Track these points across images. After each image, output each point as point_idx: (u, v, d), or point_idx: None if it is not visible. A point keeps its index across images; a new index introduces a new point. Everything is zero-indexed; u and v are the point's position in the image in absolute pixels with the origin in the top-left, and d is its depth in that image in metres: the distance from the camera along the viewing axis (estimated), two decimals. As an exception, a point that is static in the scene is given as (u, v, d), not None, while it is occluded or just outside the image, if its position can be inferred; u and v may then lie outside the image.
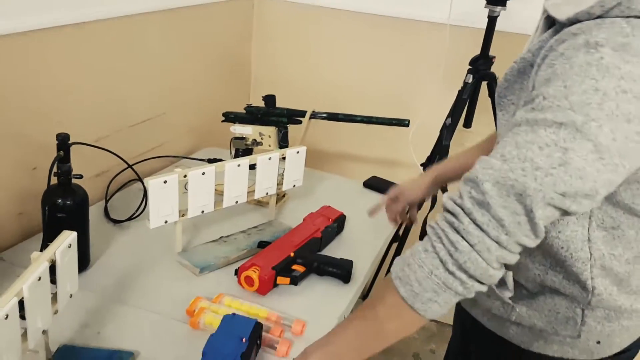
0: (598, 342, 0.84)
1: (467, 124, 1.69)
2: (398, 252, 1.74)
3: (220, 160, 1.55)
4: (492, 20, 1.59)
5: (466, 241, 0.68)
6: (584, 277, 0.79)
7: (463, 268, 0.69)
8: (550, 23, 0.78)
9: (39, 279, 0.75)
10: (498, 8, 1.56)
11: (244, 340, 0.88)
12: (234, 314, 0.95)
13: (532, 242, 0.69)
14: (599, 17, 0.67)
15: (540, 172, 0.65)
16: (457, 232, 0.69)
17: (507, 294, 0.85)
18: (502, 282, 0.84)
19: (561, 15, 0.71)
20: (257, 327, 0.93)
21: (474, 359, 1.05)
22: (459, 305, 1.07)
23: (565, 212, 0.67)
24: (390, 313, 0.75)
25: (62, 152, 1.02)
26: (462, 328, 1.10)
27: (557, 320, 0.85)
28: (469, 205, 0.68)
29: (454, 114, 1.63)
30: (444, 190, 1.66)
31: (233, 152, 1.57)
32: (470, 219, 0.68)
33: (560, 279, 0.82)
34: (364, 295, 1.93)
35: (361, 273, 1.22)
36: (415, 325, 0.75)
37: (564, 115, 0.64)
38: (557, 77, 0.66)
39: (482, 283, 0.71)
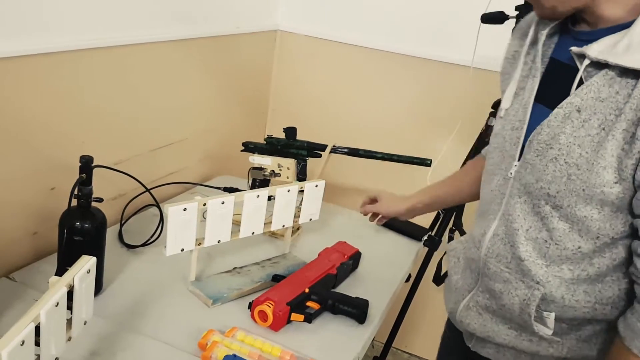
0: None
1: (485, 166, 1.68)
2: (411, 293, 1.71)
3: (237, 189, 1.54)
4: (515, 65, 1.58)
5: None
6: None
7: None
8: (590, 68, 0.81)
9: (57, 304, 0.73)
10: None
11: None
12: (234, 355, 0.93)
13: None
14: None
15: None
16: None
17: (548, 332, 0.88)
18: (541, 321, 0.88)
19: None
20: None
21: None
22: None
23: None
24: None
25: (84, 175, 1.02)
26: None
27: (608, 348, 0.87)
28: None
29: (474, 155, 1.62)
30: (461, 231, 1.64)
31: (250, 182, 1.56)
32: None
33: (610, 309, 0.86)
34: (384, 351, 1.88)
35: (376, 313, 1.20)
36: None
37: None
38: None
39: None
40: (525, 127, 0.87)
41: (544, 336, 0.89)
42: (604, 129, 0.77)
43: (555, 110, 0.82)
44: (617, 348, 0.82)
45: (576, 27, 0.86)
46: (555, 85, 0.86)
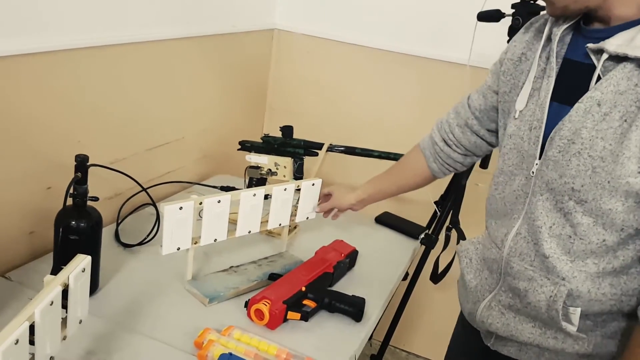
0: None
1: (484, 164, 1.68)
2: (409, 291, 1.71)
3: (233, 188, 1.54)
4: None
5: None
6: None
7: None
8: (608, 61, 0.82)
9: (51, 303, 0.73)
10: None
11: None
12: (230, 354, 0.93)
13: None
14: None
15: None
16: None
17: (572, 328, 0.88)
18: (566, 318, 0.88)
19: None
20: None
21: None
22: None
23: None
24: None
25: (80, 174, 1.01)
26: None
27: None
28: None
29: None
30: (457, 229, 1.64)
31: (247, 180, 1.56)
32: None
33: (636, 301, 0.86)
34: (382, 349, 1.88)
35: (373, 311, 1.20)
36: None
37: None
38: None
39: None
40: (543, 125, 0.88)
41: (570, 333, 0.89)
42: (625, 120, 0.79)
43: (576, 105, 0.83)
44: (636, 335, 0.83)
45: (589, 26, 0.87)
46: (571, 83, 0.87)
